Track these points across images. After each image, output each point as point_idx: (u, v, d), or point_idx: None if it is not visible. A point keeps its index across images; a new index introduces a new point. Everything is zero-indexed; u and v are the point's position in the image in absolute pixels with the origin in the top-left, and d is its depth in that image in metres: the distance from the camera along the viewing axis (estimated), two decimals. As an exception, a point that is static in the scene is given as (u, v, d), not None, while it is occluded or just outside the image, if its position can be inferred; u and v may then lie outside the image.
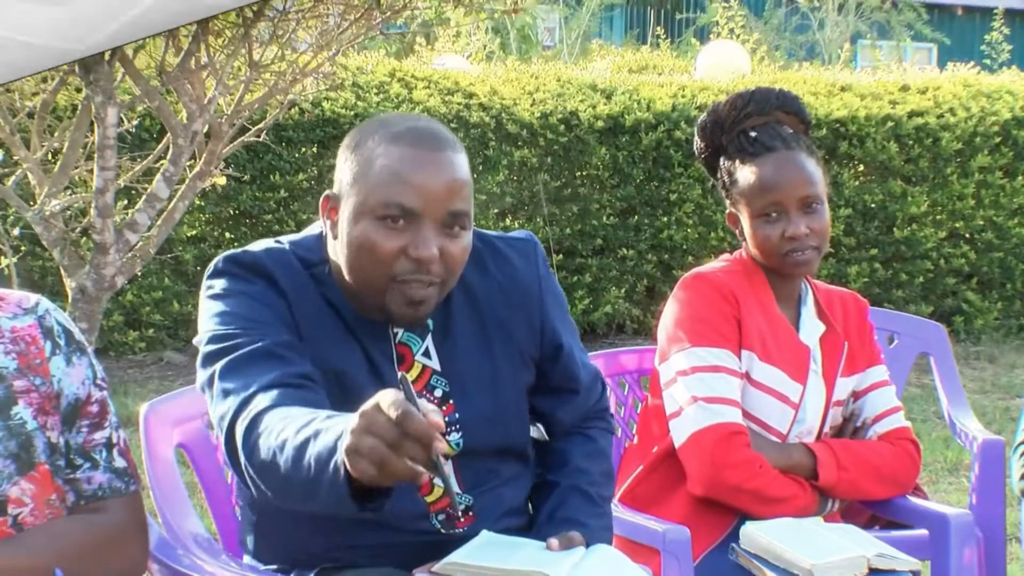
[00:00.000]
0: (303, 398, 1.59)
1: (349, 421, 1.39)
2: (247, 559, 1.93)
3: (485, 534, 1.77)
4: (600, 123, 6.82)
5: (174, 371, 6.25)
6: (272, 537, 1.85)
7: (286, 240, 1.82)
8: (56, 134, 4.24)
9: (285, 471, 1.50)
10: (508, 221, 6.83)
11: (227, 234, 6.49)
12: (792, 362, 2.31)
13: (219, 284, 1.74)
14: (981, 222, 7.43)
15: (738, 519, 2.24)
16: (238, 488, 1.94)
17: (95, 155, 3.64)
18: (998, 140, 7.43)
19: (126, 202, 4.30)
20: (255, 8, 3.78)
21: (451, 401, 1.79)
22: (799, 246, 2.26)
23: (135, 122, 4.81)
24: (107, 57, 3.50)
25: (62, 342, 1.64)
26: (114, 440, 1.67)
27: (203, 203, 6.27)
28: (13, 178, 4.23)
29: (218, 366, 1.66)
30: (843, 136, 7.19)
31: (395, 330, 1.79)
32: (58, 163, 3.95)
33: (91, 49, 3.06)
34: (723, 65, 9.46)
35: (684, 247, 7.01)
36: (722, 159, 2.37)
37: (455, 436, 1.79)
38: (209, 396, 1.68)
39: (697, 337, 2.27)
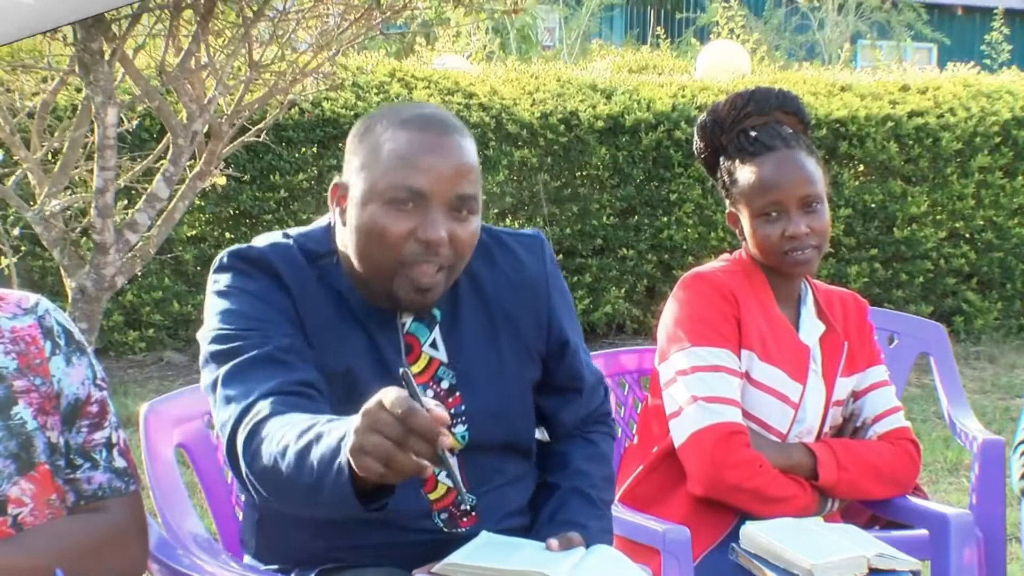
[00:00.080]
0: (303, 406, 1.59)
1: (352, 422, 1.39)
2: (248, 559, 1.93)
3: (484, 535, 1.77)
4: (600, 123, 6.82)
5: (174, 371, 6.25)
6: (274, 537, 1.86)
7: (294, 232, 1.82)
8: (56, 134, 4.24)
9: (287, 475, 1.50)
10: (508, 221, 6.83)
11: (227, 234, 6.49)
12: (792, 362, 2.31)
13: (224, 280, 1.75)
14: (981, 222, 7.43)
15: (738, 519, 2.24)
16: (239, 488, 1.95)
17: (95, 155, 3.64)
18: (998, 140, 7.43)
19: (126, 202, 4.30)
20: (255, 8, 3.78)
21: (457, 393, 1.80)
22: (799, 245, 2.26)
23: (135, 122, 4.80)
24: (107, 57, 3.50)
25: (62, 342, 1.64)
26: (114, 440, 1.67)
27: (203, 203, 6.27)
28: (13, 178, 4.23)
29: (221, 372, 1.67)
30: (843, 136, 7.19)
31: (403, 320, 1.79)
32: (58, 163, 3.95)
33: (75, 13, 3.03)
34: (723, 65, 9.46)
35: (684, 247, 7.01)
36: (722, 159, 2.37)
37: (461, 429, 1.80)
38: (212, 400, 1.69)
39: (697, 337, 2.27)
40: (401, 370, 1.39)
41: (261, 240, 1.80)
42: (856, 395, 2.41)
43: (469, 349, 1.81)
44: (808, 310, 2.38)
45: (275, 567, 1.86)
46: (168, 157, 3.84)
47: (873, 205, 7.28)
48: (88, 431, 1.65)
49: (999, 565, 2.55)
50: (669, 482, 2.31)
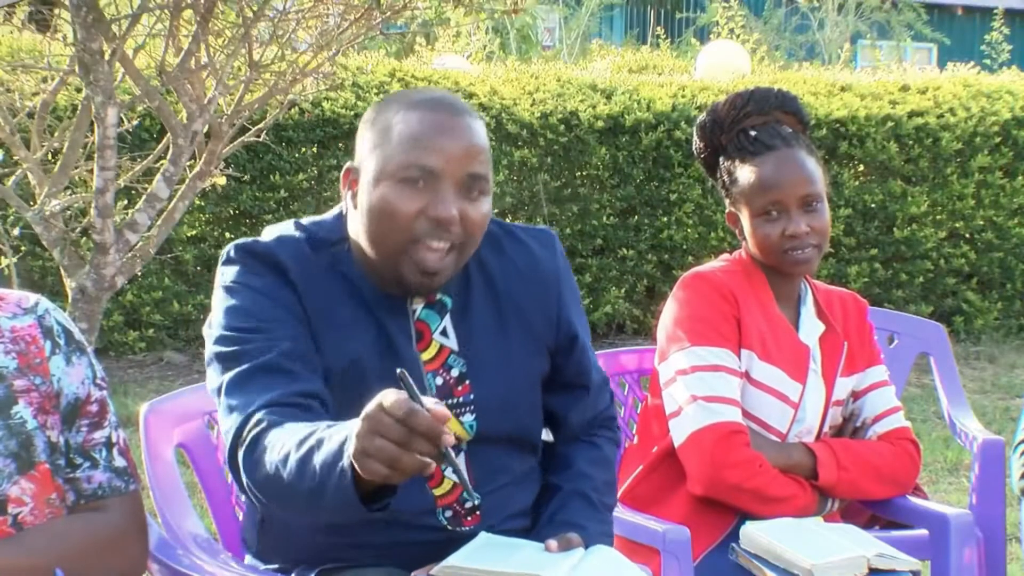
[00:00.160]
0: (302, 417, 1.61)
1: (352, 426, 1.41)
2: (249, 559, 1.93)
3: (483, 535, 1.77)
4: (600, 123, 6.82)
5: (174, 371, 6.25)
6: (276, 536, 1.86)
7: (307, 221, 1.83)
8: (56, 134, 4.24)
9: (289, 482, 1.52)
10: (508, 221, 6.82)
11: (227, 234, 6.48)
12: (792, 361, 2.31)
13: (230, 274, 1.75)
14: (981, 222, 7.43)
15: (738, 519, 2.24)
16: (239, 490, 1.94)
17: (95, 155, 3.64)
18: (998, 140, 7.43)
19: (126, 202, 4.30)
20: (255, 8, 3.78)
21: (467, 382, 1.80)
22: (799, 244, 2.26)
23: (135, 122, 4.81)
24: (107, 57, 3.50)
25: (62, 342, 1.64)
26: (114, 439, 1.67)
27: (203, 203, 6.27)
28: (13, 178, 4.23)
29: (224, 380, 1.68)
30: (843, 136, 7.19)
31: (414, 307, 1.79)
32: (58, 163, 3.95)
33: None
34: (723, 65, 9.46)
35: (684, 247, 7.01)
36: (721, 159, 2.37)
37: (469, 418, 1.80)
38: (217, 403, 1.70)
39: (697, 336, 2.27)
40: (398, 370, 1.40)
41: (269, 232, 1.80)
42: (856, 395, 2.41)
43: (479, 338, 1.81)
44: (808, 310, 2.38)
45: (277, 566, 1.86)
46: (168, 157, 3.84)
47: (873, 205, 7.28)
48: (88, 430, 1.65)
49: (999, 565, 2.55)
50: (669, 482, 2.31)
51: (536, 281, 1.87)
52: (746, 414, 2.27)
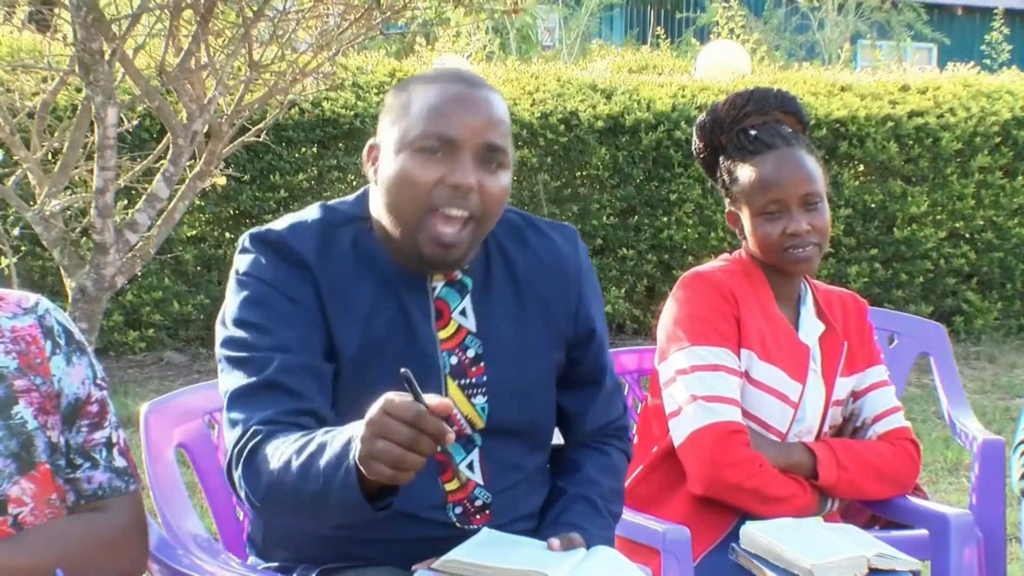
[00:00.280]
0: (298, 429, 1.63)
1: (356, 429, 1.44)
2: (253, 558, 1.93)
3: (486, 531, 1.77)
4: (600, 123, 6.82)
5: (174, 371, 6.25)
6: (282, 533, 1.86)
7: (331, 202, 1.84)
8: (56, 134, 4.24)
9: (293, 486, 1.55)
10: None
11: (227, 234, 6.49)
12: (791, 361, 2.31)
13: (243, 264, 1.77)
14: (981, 222, 7.43)
15: (738, 519, 2.24)
16: None
17: (95, 155, 3.64)
18: (998, 140, 7.43)
19: (126, 202, 4.30)
20: (255, 8, 3.78)
21: (482, 363, 1.80)
22: (800, 243, 2.26)
23: (135, 122, 4.81)
24: (107, 57, 3.50)
25: (62, 342, 1.64)
26: (114, 440, 1.67)
27: (203, 203, 6.27)
28: (13, 178, 4.24)
29: (229, 390, 1.71)
30: (843, 136, 7.19)
31: (433, 284, 1.80)
32: (58, 163, 3.95)
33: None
34: (723, 65, 9.46)
35: (684, 247, 7.01)
36: (721, 158, 2.37)
37: (481, 400, 1.80)
38: (223, 410, 1.72)
39: (696, 336, 2.27)
40: (402, 371, 1.41)
41: (286, 219, 1.81)
42: (856, 395, 2.41)
43: (497, 321, 1.82)
44: (808, 310, 2.38)
45: (280, 564, 1.86)
46: (168, 157, 3.84)
47: (873, 205, 7.28)
48: (88, 431, 1.65)
49: (999, 565, 2.56)
50: (669, 482, 2.31)
51: (558, 273, 1.87)
52: (746, 414, 2.27)
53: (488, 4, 4.75)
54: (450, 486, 1.80)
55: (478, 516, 1.81)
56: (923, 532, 2.32)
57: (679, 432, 2.26)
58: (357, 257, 1.77)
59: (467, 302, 1.81)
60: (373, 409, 1.40)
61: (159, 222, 3.93)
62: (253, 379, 1.69)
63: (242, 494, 1.67)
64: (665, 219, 7.00)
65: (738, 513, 2.25)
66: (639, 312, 7.07)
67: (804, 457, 2.29)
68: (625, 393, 2.73)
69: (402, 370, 1.41)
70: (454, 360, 1.79)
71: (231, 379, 1.71)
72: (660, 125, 6.94)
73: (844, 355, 2.37)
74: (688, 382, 2.25)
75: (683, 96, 7.15)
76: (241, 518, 2.18)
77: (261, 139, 4.36)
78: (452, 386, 1.79)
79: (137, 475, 1.71)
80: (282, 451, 1.57)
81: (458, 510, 1.80)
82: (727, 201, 2.37)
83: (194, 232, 6.40)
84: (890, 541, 2.19)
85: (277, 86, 4.06)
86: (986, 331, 7.45)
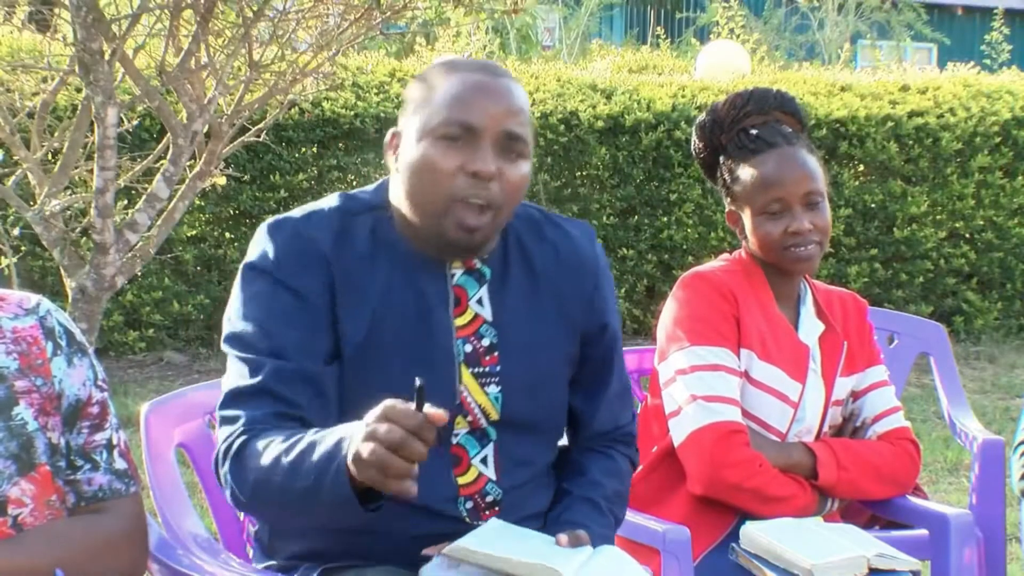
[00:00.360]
0: (286, 433, 1.66)
1: (349, 429, 1.47)
2: (257, 555, 1.93)
3: (495, 521, 1.77)
4: (600, 123, 6.82)
5: (174, 371, 6.25)
6: (291, 529, 1.86)
7: (354, 191, 1.86)
8: (56, 134, 4.24)
9: (282, 483, 1.58)
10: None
11: (227, 234, 6.49)
12: (791, 361, 2.31)
13: (254, 254, 1.78)
14: (981, 222, 7.43)
15: (738, 519, 2.24)
16: None
17: (95, 155, 3.64)
18: (998, 140, 7.43)
19: (126, 202, 4.30)
20: (255, 8, 3.78)
21: (496, 353, 1.81)
22: (802, 241, 2.26)
23: (135, 122, 4.81)
24: (107, 57, 3.50)
25: (63, 343, 1.64)
26: (114, 441, 1.67)
27: (203, 203, 6.27)
28: (13, 178, 4.24)
29: (228, 388, 1.73)
30: (843, 136, 7.19)
31: (452, 271, 1.81)
32: (58, 163, 3.95)
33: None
34: (723, 65, 9.46)
35: (684, 247, 7.01)
36: (722, 158, 2.37)
37: (495, 389, 1.81)
38: (216, 407, 1.75)
39: (696, 336, 2.27)
40: (417, 381, 1.43)
41: (303, 208, 1.82)
42: (856, 395, 2.41)
43: (513, 311, 1.83)
44: (808, 310, 2.38)
45: (286, 561, 1.85)
46: (168, 157, 3.84)
47: (873, 205, 7.28)
48: (89, 432, 1.65)
49: (999, 565, 2.56)
50: (669, 482, 2.31)
51: (574, 266, 1.89)
52: (746, 414, 2.27)
53: (488, 4, 4.76)
54: (463, 480, 1.81)
55: (487, 512, 1.81)
56: (923, 532, 2.32)
57: (679, 432, 2.26)
58: (375, 244, 1.79)
59: (484, 291, 1.83)
60: (373, 417, 1.42)
61: (159, 222, 3.93)
62: (246, 382, 1.71)
63: (228, 491, 1.68)
64: (665, 219, 7.00)
65: (738, 513, 2.25)
66: (639, 312, 7.07)
67: (804, 457, 2.29)
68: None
69: (417, 380, 1.43)
70: (469, 348, 1.80)
71: (228, 378, 1.74)
72: (660, 125, 6.94)
73: (844, 355, 2.37)
74: (688, 382, 2.25)
75: (683, 96, 7.15)
76: (242, 518, 2.18)
77: (261, 139, 4.36)
78: (466, 374, 1.80)
79: (137, 477, 1.71)
80: (271, 449, 1.60)
81: (469, 504, 1.80)
82: (727, 201, 2.37)
83: (194, 232, 6.40)
84: (890, 541, 2.19)
85: (277, 86, 4.06)
86: (986, 331, 7.45)
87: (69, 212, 4.01)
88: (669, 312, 2.34)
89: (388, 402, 1.43)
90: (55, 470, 1.61)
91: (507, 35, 12.58)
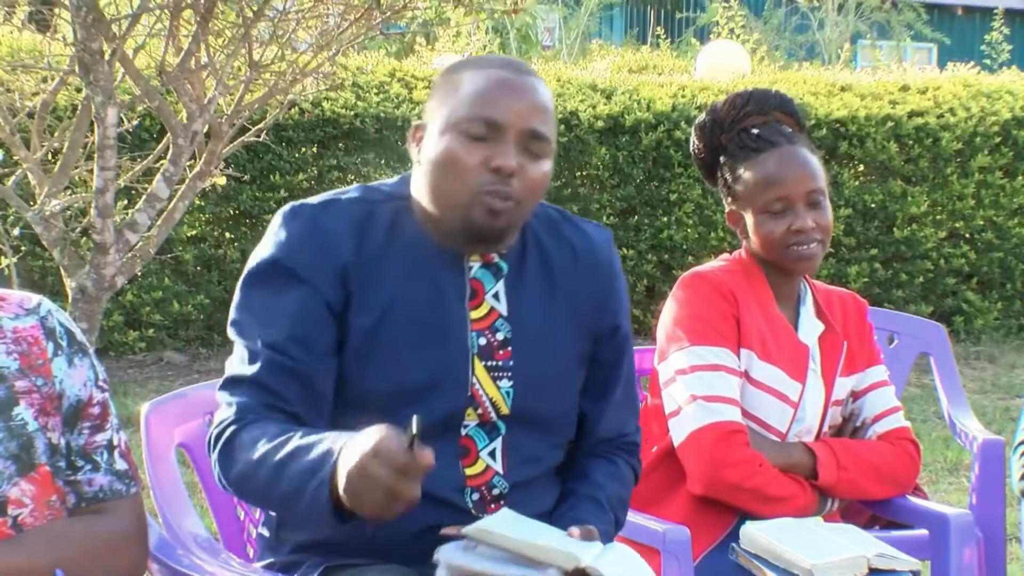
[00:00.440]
0: (276, 424, 1.70)
1: (336, 442, 1.54)
2: (258, 551, 1.92)
3: (507, 511, 1.76)
4: (600, 123, 6.82)
5: (174, 371, 6.25)
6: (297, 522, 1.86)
7: (375, 183, 1.88)
8: (56, 134, 4.24)
9: (266, 481, 1.64)
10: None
11: (227, 234, 6.49)
12: (791, 361, 2.31)
13: (268, 239, 1.79)
14: (981, 222, 7.43)
15: (738, 519, 2.24)
16: None
17: (95, 155, 3.64)
18: (998, 140, 7.43)
19: (126, 202, 4.30)
20: (255, 8, 3.78)
21: (510, 348, 1.82)
22: (805, 239, 2.26)
23: (135, 122, 4.81)
24: (107, 57, 3.50)
25: (64, 343, 1.64)
26: (115, 442, 1.67)
27: (203, 203, 6.27)
28: (13, 178, 4.24)
29: (226, 372, 1.77)
30: (843, 136, 7.19)
31: (470, 264, 1.82)
32: (58, 163, 3.95)
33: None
34: (723, 65, 9.46)
35: (684, 247, 7.01)
36: (722, 158, 2.37)
37: (506, 384, 1.81)
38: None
39: (696, 336, 2.27)
40: (414, 418, 1.46)
41: (322, 196, 1.84)
42: (856, 395, 2.41)
43: (528, 307, 1.84)
44: (807, 310, 2.38)
45: (288, 557, 1.85)
46: (168, 157, 3.84)
47: (873, 205, 7.28)
48: (89, 433, 1.65)
49: (999, 565, 2.56)
50: (669, 482, 2.31)
51: (591, 266, 1.90)
52: (745, 414, 2.27)
53: (488, 4, 4.76)
54: (470, 471, 1.81)
55: (493, 505, 1.82)
56: (923, 532, 2.32)
57: (679, 432, 2.26)
58: (394, 234, 1.80)
59: (500, 286, 1.84)
60: (364, 447, 1.46)
61: (159, 222, 3.93)
62: (243, 370, 1.74)
63: (215, 475, 1.74)
64: (665, 219, 7.00)
65: (738, 513, 2.25)
66: (639, 312, 7.06)
67: (804, 457, 2.29)
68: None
69: (415, 418, 1.46)
70: (483, 341, 1.81)
71: (231, 361, 1.78)
72: (660, 125, 6.94)
73: (844, 355, 2.37)
74: (688, 382, 2.25)
75: (683, 96, 7.15)
76: (242, 518, 2.18)
77: (261, 139, 4.36)
78: (479, 367, 1.80)
79: (138, 477, 1.71)
80: (259, 445, 1.64)
81: (475, 496, 1.81)
82: (728, 201, 2.37)
83: (194, 232, 6.40)
84: (890, 541, 2.19)
85: (277, 86, 4.06)
86: (986, 331, 7.45)
87: (69, 212, 4.01)
88: (669, 312, 2.34)
89: (380, 438, 1.46)
90: (55, 470, 1.61)
91: (507, 35, 12.58)
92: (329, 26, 4.11)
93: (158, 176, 3.83)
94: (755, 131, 2.32)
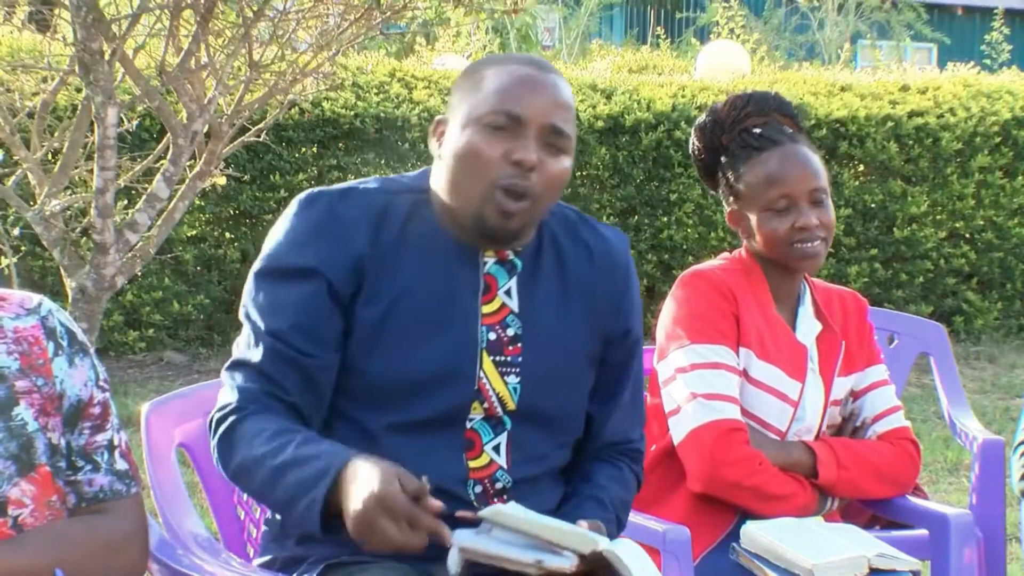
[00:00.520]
0: (275, 415, 1.75)
1: (334, 460, 1.62)
2: (261, 545, 1.92)
3: (515, 504, 1.75)
4: (600, 123, 6.82)
5: (174, 371, 6.25)
6: None
7: (395, 176, 1.89)
8: (56, 134, 4.24)
9: (261, 482, 1.70)
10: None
11: (227, 234, 6.49)
12: (790, 361, 2.31)
13: (283, 225, 1.81)
14: (981, 222, 7.43)
15: (738, 518, 2.24)
16: None
17: (95, 155, 3.64)
18: (998, 140, 7.43)
19: (126, 202, 4.30)
20: (255, 8, 3.79)
21: (519, 344, 1.83)
22: (809, 236, 2.26)
23: (135, 122, 4.80)
24: (107, 57, 3.50)
25: (65, 343, 1.64)
26: (115, 442, 1.67)
27: (203, 203, 6.27)
28: (13, 178, 4.24)
29: (233, 354, 1.81)
30: (843, 136, 7.19)
31: (484, 260, 1.83)
32: (58, 163, 3.95)
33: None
34: (723, 65, 9.46)
35: (684, 247, 7.01)
36: (723, 159, 2.37)
37: (514, 380, 1.82)
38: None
39: (696, 334, 2.27)
40: (423, 478, 1.54)
41: (342, 185, 1.85)
42: (855, 395, 2.41)
43: (541, 305, 1.85)
44: (805, 309, 2.38)
45: (291, 553, 1.85)
46: (168, 157, 3.84)
47: (873, 205, 7.28)
48: (90, 433, 1.65)
49: (999, 565, 2.56)
50: (668, 482, 2.31)
51: (606, 268, 1.91)
52: (745, 413, 2.27)
53: (488, 4, 4.76)
54: (474, 464, 1.82)
55: (496, 499, 1.82)
56: (923, 532, 2.32)
57: (679, 430, 2.26)
58: (411, 225, 1.81)
59: (514, 283, 1.84)
60: (368, 495, 1.53)
61: (159, 222, 3.93)
62: (247, 355, 1.78)
63: (214, 458, 1.78)
64: (665, 219, 7.00)
65: (738, 512, 2.25)
66: (639, 312, 7.06)
67: (804, 456, 2.29)
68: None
69: (423, 478, 1.53)
70: (492, 336, 1.82)
71: (237, 342, 1.81)
72: (660, 125, 6.94)
73: (842, 355, 2.37)
74: (688, 380, 2.25)
75: (683, 96, 7.15)
76: (242, 518, 2.18)
77: (261, 139, 4.36)
78: (487, 361, 1.81)
79: (138, 477, 1.71)
80: (258, 442, 1.69)
81: (478, 489, 1.81)
82: (730, 200, 2.37)
83: (194, 232, 6.40)
84: (890, 541, 2.19)
85: (277, 86, 4.07)
86: (986, 331, 7.45)
87: (69, 212, 4.01)
88: (669, 310, 2.34)
89: (385, 491, 1.52)
90: (55, 471, 1.61)
91: (507, 35, 12.58)
92: (329, 26, 4.11)
93: (158, 176, 3.84)
94: (757, 130, 2.32)
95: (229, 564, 1.88)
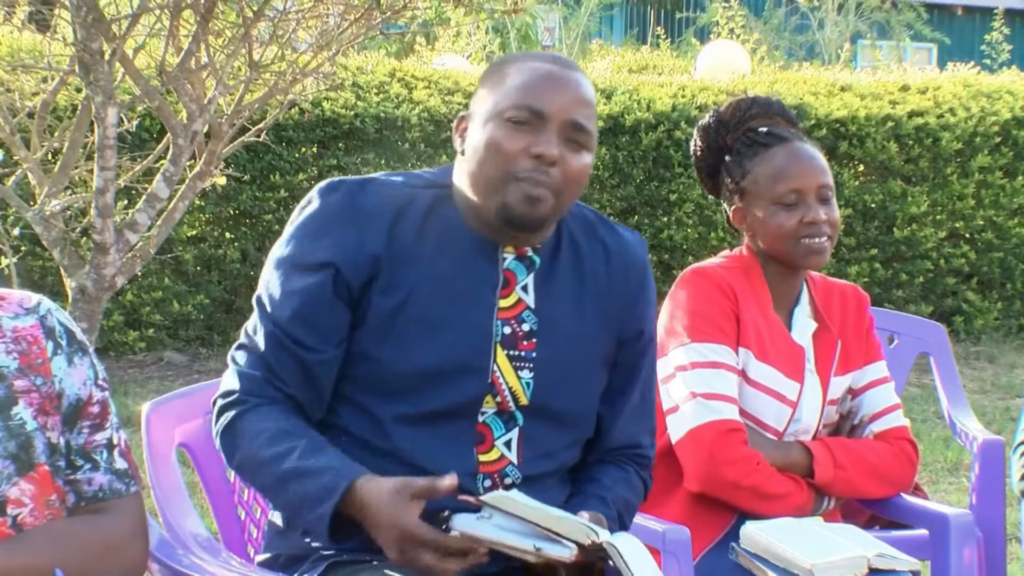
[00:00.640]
0: (276, 407, 1.78)
1: (340, 480, 1.67)
2: (265, 542, 1.92)
3: (517, 491, 1.75)
4: (600, 123, 6.82)
5: (174, 371, 6.25)
6: None
7: (417, 172, 1.91)
8: (56, 134, 4.24)
9: (263, 485, 1.75)
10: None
11: (227, 234, 6.49)
12: (787, 362, 2.31)
13: (301, 215, 1.83)
14: (981, 222, 7.43)
15: (736, 518, 2.24)
16: None
17: (95, 155, 3.64)
18: (998, 140, 7.43)
19: (126, 202, 4.30)
20: (255, 8, 3.79)
21: (534, 339, 1.84)
22: (816, 231, 2.26)
23: (135, 122, 4.80)
24: (107, 57, 3.50)
25: (64, 342, 1.64)
26: (115, 441, 1.67)
27: (203, 203, 6.27)
28: (13, 178, 4.24)
29: (241, 336, 1.83)
30: (843, 136, 7.19)
31: (504, 255, 1.84)
32: (58, 163, 3.95)
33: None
34: (723, 65, 9.46)
35: (684, 247, 7.01)
36: (727, 158, 2.37)
37: (527, 375, 1.83)
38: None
39: (696, 333, 2.27)
40: (446, 512, 1.61)
41: (363, 176, 1.86)
42: (854, 392, 2.41)
43: (557, 302, 1.86)
44: (801, 309, 2.38)
45: (294, 551, 1.85)
46: (168, 157, 3.84)
47: (873, 205, 7.28)
48: (89, 432, 1.65)
49: (999, 565, 2.56)
50: (667, 481, 2.31)
51: (623, 269, 1.92)
52: (742, 413, 2.27)
53: (488, 4, 4.75)
54: (484, 457, 1.82)
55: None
56: (923, 532, 2.32)
57: (677, 429, 2.26)
58: (431, 219, 1.82)
59: (531, 279, 1.85)
60: (404, 532, 1.61)
61: (159, 222, 3.93)
62: (252, 341, 1.80)
63: (216, 444, 1.82)
64: (665, 219, 7.00)
65: (736, 512, 2.25)
66: (639, 312, 7.06)
67: (801, 456, 2.29)
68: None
69: (446, 512, 1.62)
70: (507, 330, 1.83)
71: (246, 325, 1.83)
72: (660, 125, 6.94)
73: (838, 354, 2.37)
74: (687, 379, 2.25)
75: (683, 96, 7.15)
76: (242, 518, 2.18)
77: (261, 139, 4.36)
78: (501, 355, 1.82)
79: (138, 476, 1.71)
80: (260, 444, 1.73)
81: (487, 483, 1.81)
82: (735, 199, 2.36)
83: (194, 232, 6.40)
84: (890, 541, 2.19)
85: (277, 86, 4.07)
86: (986, 331, 7.45)
87: (69, 212, 4.01)
88: (669, 308, 2.34)
89: (405, 524, 1.61)
90: (54, 470, 1.61)
91: (507, 35, 12.58)
92: (329, 26, 4.11)
93: (158, 176, 3.84)
94: (763, 129, 2.33)
95: (229, 564, 1.88)
